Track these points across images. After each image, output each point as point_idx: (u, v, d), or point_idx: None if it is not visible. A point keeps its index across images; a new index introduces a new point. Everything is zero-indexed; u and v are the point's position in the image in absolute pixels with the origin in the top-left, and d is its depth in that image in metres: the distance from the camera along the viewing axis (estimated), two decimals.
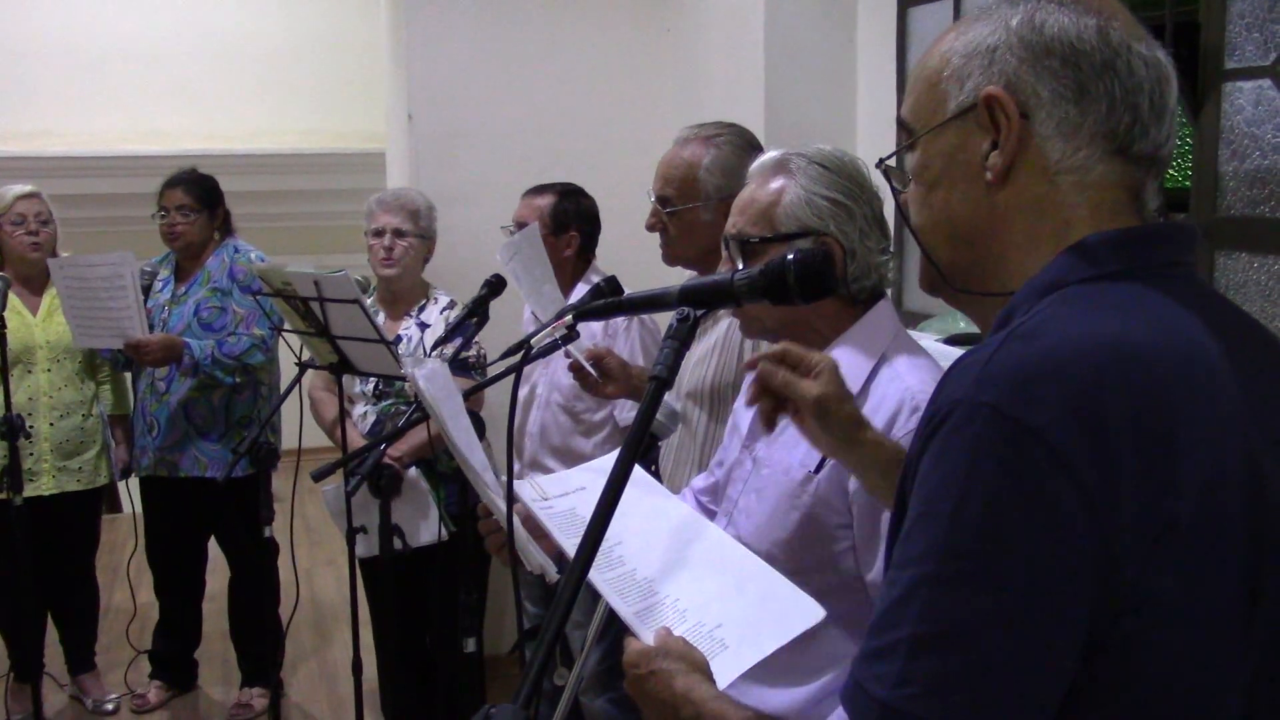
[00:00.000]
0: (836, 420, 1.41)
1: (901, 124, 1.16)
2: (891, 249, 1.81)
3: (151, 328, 3.82)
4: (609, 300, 1.42)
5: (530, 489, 1.63)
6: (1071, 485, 0.87)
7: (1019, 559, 0.88)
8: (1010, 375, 0.91)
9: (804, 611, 1.45)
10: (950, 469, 0.91)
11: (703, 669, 1.31)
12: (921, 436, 0.95)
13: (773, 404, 1.45)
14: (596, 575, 1.49)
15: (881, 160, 1.21)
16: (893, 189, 1.20)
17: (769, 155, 1.82)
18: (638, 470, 1.69)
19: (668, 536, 1.54)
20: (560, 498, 1.68)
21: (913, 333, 2.84)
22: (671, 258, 2.52)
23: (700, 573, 1.52)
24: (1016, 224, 1.06)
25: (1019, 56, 1.04)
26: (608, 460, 1.87)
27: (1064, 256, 1.03)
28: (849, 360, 1.72)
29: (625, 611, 1.41)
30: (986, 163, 1.06)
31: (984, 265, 1.09)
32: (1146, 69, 1.04)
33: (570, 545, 1.55)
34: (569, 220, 3.39)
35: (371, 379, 3.47)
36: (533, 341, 1.55)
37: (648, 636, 1.36)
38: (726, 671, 1.33)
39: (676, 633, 1.37)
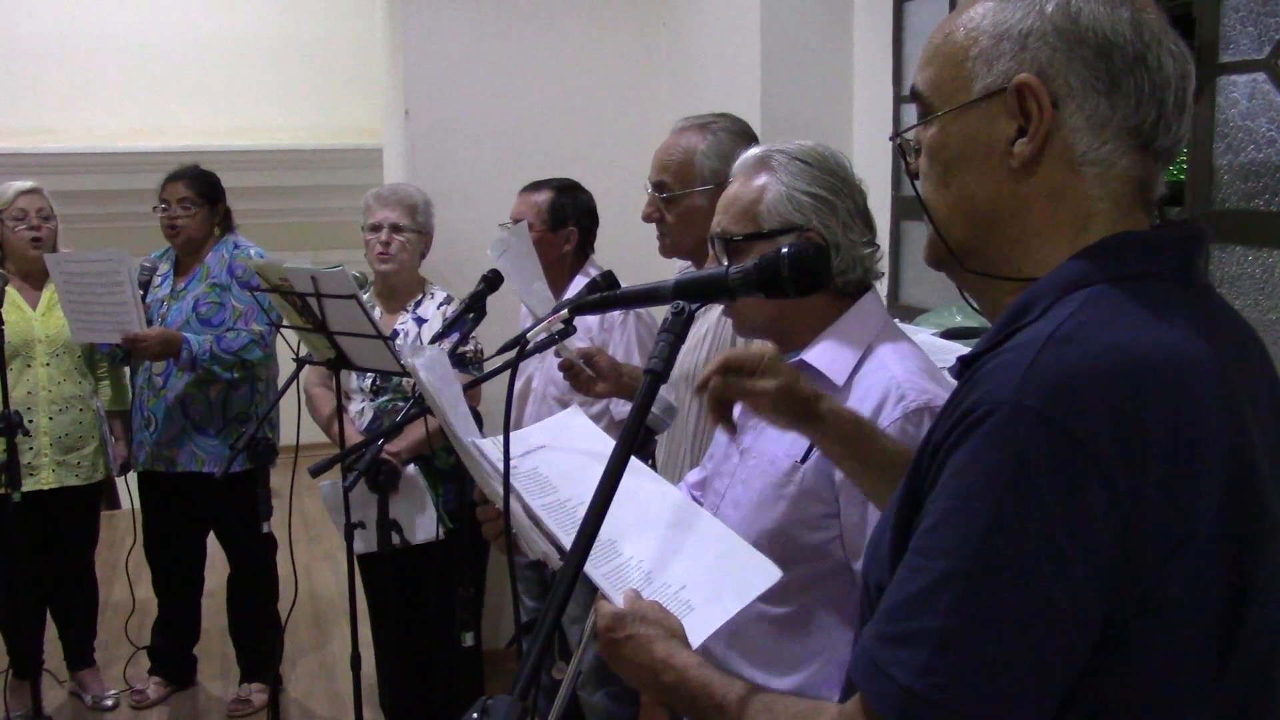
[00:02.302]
0: (797, 402, 1.44)
1: (918, 96, 1.14)
2: (876, 242, 1.82)
3: (150, 323, 3.83)
4: (604, 295, 1.42)
5: (494, 449, 1.63)
6: (1106, 491, 0.89)
7: (1051, 561, 0.90)
8: (1054, 380, 0.92)
9: (763, 572, 1.47)
10: (991, 467, 0.92)
11: (679, 634, 1.31)
12: (953, 429, 0.96)
13: (729, 412, 1.49)
14: (564, 536, 1.50)
15: (897, 133, 1.20)
16: (905, 162, 1.18)
17: (750, 152, 1.83)
18: (606, 441, 1.70)
19: (628, 500, 1.55)
20: (522, 457, 1.67)
21: (909, 326, 2.86)
22: (669, 248, 2.53)
23: (661, 534, 1.53)
24: (1036, 211, 1.06)
25: (1052, 45, 1.03)
26: (565, 416, 1.87)
27: (1089, 254, 1.03)
28: (835, 352, 1.74)
29: (596, 574, 1.41)
30: (1012, 149, 1.05)
31: (999, 248, 1.09)
32: (1174, 63, 1.04)
33: (537, 504, 1.56)
34: (567, 216, 3.40)
35: (368, 375, 3.47)
36: (528, 336, 1.55)
37: (619, 598, 1.36)
38: (695, 633, 1.34)
39: (643, 595, 1.38)
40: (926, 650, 0.93)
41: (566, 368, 2.67)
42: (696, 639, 1.33)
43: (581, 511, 1.54)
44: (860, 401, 1.66)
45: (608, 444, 1.77)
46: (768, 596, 1.69)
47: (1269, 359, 1.11)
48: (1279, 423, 1.06)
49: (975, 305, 1.17)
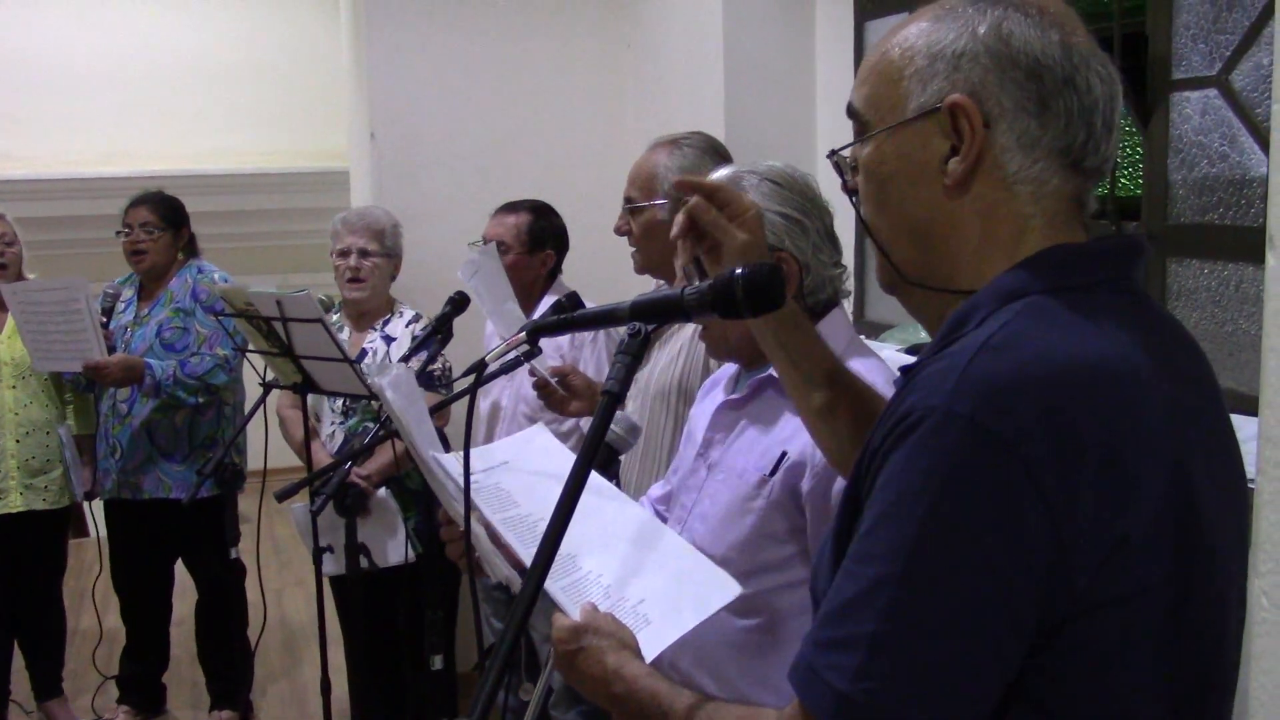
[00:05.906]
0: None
1: (854, 114, 1.15)
2: (843, 262, 1.84)
3: (113, 349, 3.80)
4: (562, 317, 1.42)
5: (455, 464, 1.63)
6: (1037, 497, 0.90)
7: (983, 566, 0.91)
8: (986, 387, 0.93)
9: (721, 587, 1.48)
10: (923, 473, 0.93)
11: (632, 646, 1.33)
12: (889, 435, 0.97)
13: (694, 243, 1.45)
14: (523, 550, 1.51)
15: (833, 151, 1.21)
16: (843, 180, 1.20)
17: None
18: (569, 457, 1.70)
19: (590, 515, 1.55)
20: (484, 472, 1.68)
21: (874, 343, 2.88)
22: (639, 265, 2.55)
23: (620, 549, 1.54)
24: (971, 228, 1.08)
25: (985, 66, 1.05)
26: (530, 433, 1.87)
27: (1026, 265, 1.04)
28: None
29: (554, 587, 1.42)
30: (945, 167, 1.07)
31: (937, 264, 1.11)
32: (1101, 85, 1.06)
33: (498, 519, 1.57)
34: (545, 239, 3.42)
35: (339, 397, 3.46)
36: (490, 359, 1.56)
37: (575, 612, 1.37)
38: (651, 646, 1.35)
39: (601, 608, 1.39)
40: (859, 655, 0.94)
41: (540, 387, 2.67)
42: (652, 652, 1.34)
43: (542, 527, 1.55)
44: None
45: (570, 461, 1.78)
46: (736, 609, 1.69)
47: (1209, 369, 1.13)
48: (1217, 431, 1.08)
49: (921, 322, 1.19)
